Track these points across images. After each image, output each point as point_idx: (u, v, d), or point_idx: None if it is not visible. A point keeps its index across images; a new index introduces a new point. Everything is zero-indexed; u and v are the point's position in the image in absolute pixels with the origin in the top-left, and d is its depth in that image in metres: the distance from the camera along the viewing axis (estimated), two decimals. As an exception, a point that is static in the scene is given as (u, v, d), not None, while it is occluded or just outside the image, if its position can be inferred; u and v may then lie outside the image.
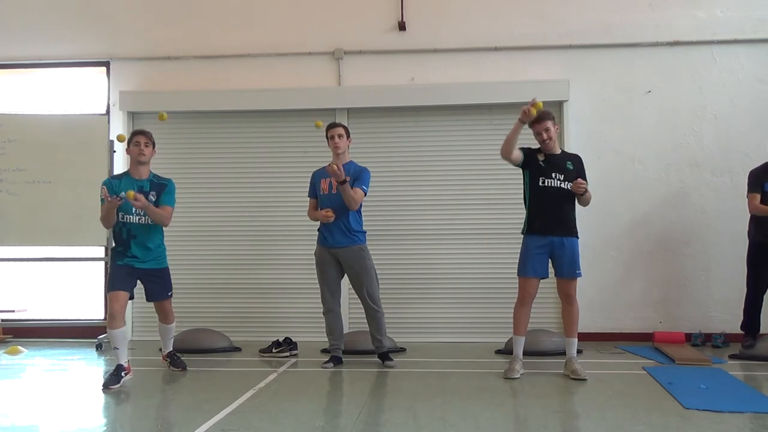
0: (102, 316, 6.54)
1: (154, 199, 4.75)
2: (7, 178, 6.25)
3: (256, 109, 6.59)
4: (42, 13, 6.81)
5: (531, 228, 4.78)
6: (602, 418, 3.69)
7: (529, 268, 4.73)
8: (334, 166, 4.82)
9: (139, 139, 4.77)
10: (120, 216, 4.69)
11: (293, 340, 5.73)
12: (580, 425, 3.65)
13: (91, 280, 6.87)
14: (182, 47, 6.70)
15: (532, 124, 4.73)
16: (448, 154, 6.47)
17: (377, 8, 6.58)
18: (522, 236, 4.86)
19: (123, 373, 4.58)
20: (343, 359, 5.24)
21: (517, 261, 4.84)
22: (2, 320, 6.66)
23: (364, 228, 5.23)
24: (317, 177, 5.27)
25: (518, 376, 4.64)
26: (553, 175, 4.71)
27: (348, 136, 5.21)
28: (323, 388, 4.61)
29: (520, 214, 6.30)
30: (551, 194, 4.71)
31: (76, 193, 6.22)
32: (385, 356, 5.20)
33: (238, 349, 5.95)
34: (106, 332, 6.19)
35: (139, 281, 4.85)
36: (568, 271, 4.72)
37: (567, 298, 4.78)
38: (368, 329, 5.25)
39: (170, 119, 6.63)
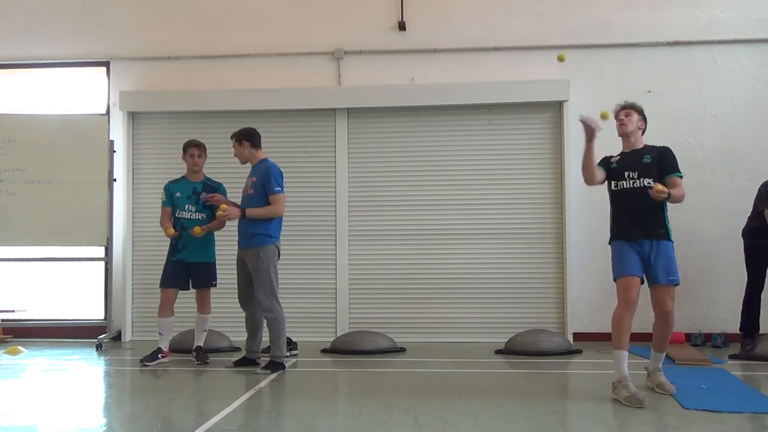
0: (102, 316, 6.55)
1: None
2: (7, 178, 6.25)
3: (256, 109, 6.57)
4: (42, 13, 6.81)
5: (613, 235, 4.29)
6: (602, 418, 3.69)
7: (627, 266, 4.11)
8: (222, 206, 5.00)
9: (193, 151, 5.37)
10: (176, 212, 5.32)
11: (293, 340, 5.73)
12: (580, 425, 3.65)
13: (91, 280, 6.86)
14: (182, 47, 6.70)
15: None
16: (448, 154, 6.46)
17: (377, 8, 6.58)
18: (609, 245, 4.33)
19: (160, 355, 5.21)
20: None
21: (611, 265, 4.24)
22: (2, 320, 6.66)
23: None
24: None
25: (647, 402, 3.86)
26: (626, 175, 4.21)
27: (241, 143, 5.08)
28: (323, 388, 4.60)
29: (520, 214, 6.36)
30: (625, 196, 4.21)
31: (76, 193, 6.22)
32: (269, 365, 4.94)
33: (238, 349, 5.94)
34: (106, 332, 6.25)
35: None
36: (662, 276, 4.12)
37: (663, 310, 4.19)
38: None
39: (169, 119, 6.69)
